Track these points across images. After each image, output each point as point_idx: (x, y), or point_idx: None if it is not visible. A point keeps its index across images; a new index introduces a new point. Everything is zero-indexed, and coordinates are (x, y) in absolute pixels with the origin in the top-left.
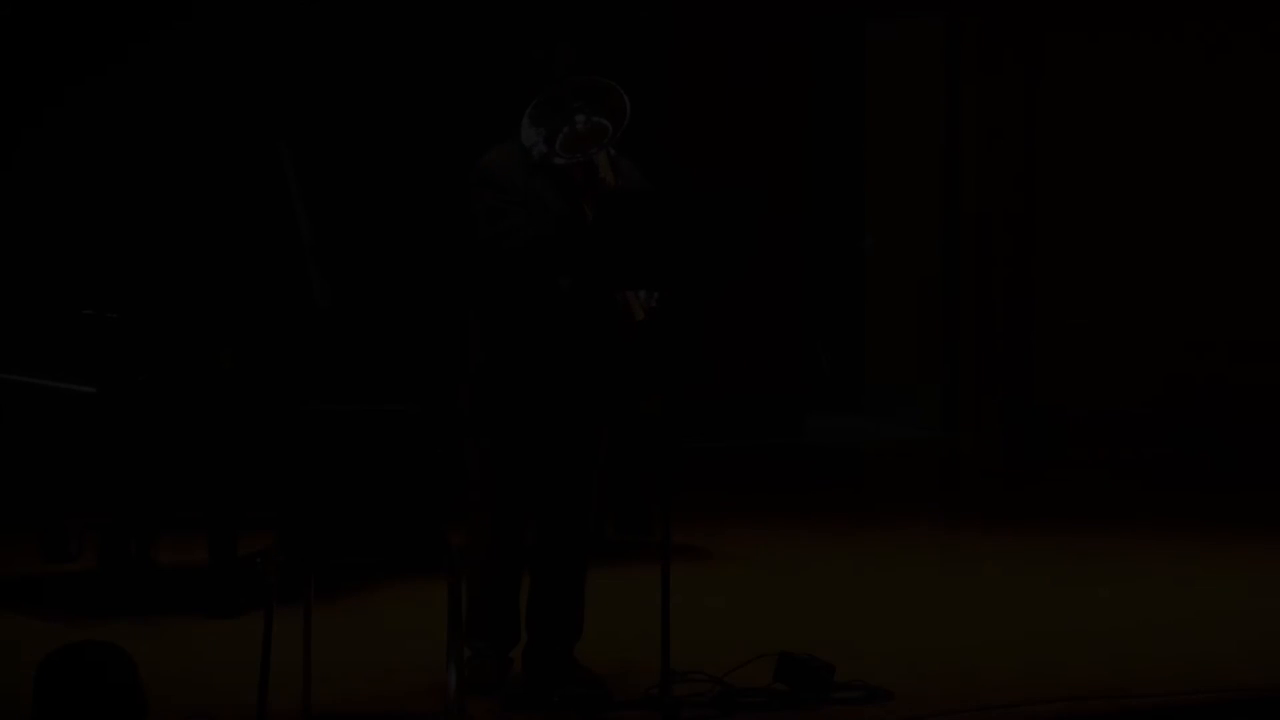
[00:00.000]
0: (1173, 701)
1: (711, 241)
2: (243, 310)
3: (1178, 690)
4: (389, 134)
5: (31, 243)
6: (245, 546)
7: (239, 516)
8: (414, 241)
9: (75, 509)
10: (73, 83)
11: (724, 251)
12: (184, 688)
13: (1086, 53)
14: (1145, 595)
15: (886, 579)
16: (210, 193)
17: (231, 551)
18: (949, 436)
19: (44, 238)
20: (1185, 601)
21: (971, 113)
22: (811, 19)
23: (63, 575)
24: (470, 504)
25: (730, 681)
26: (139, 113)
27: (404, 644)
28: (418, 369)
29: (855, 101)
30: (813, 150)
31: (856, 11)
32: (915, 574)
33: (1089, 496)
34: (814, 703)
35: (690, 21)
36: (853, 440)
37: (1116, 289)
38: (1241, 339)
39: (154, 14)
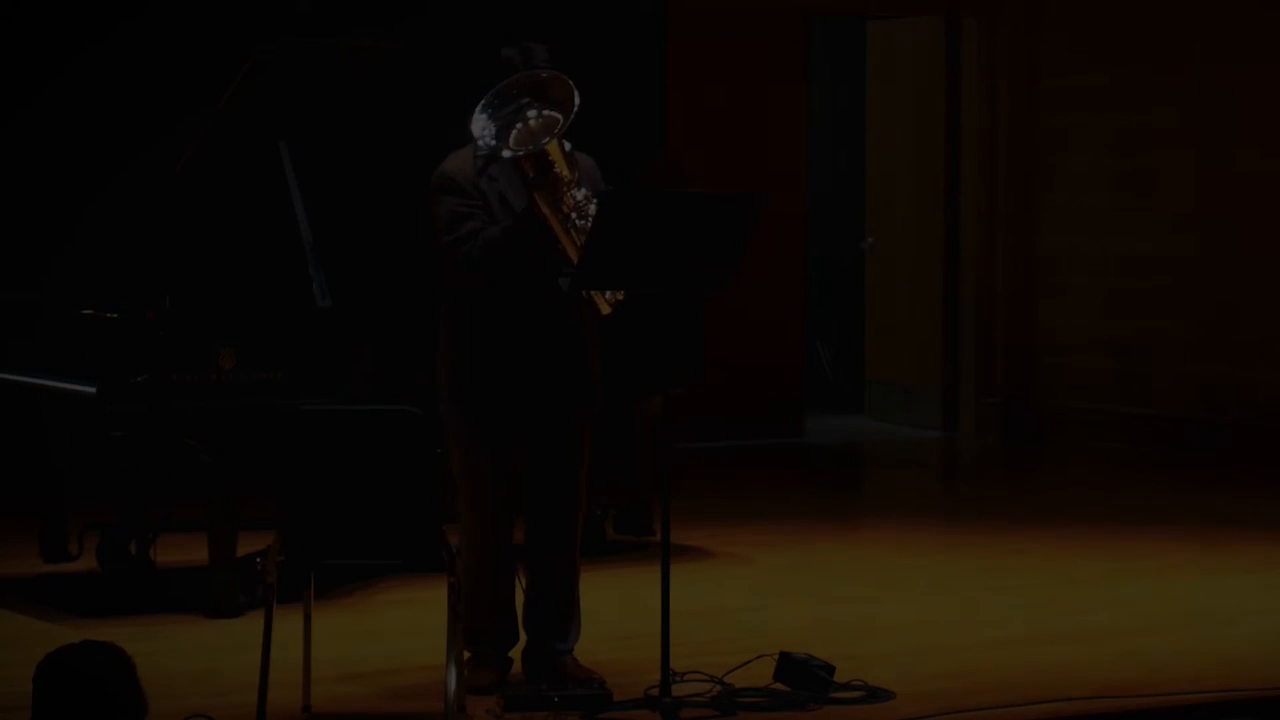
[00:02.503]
0: (1173, 701)
1: (712, 243)
2: (242, 310)
3: (1179, 690)
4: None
5: (32, 242)
6: (245, 546)
7: (239, 516)
8: (413, 241)
9: (75, 509)
10: (71, 82)
11: (724, 253)
12: (184, 688)
13: (1086, 51)
14: (1146, 595)
15: (886, 579)
16: (210, 193)
17: (231, 551)
18: (949, 436)
19: (44, 238)
20: (1186, 601)
21: (971, 112)
22: (811, 19)
23: (63, 575)
24: (459, 506)
25: (730, 681)
26: (138, 113)
27: (404, 644)
28: (417, 369)
29: (855, 101)
30: (813, 150)
31: (856, 11)
32: (915, 574)
33: (1088, 496)
34: (814, 703)
35: (690, 21)
36: (853, 440)
37: (1116, 288)
38: (1243, 339)
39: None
